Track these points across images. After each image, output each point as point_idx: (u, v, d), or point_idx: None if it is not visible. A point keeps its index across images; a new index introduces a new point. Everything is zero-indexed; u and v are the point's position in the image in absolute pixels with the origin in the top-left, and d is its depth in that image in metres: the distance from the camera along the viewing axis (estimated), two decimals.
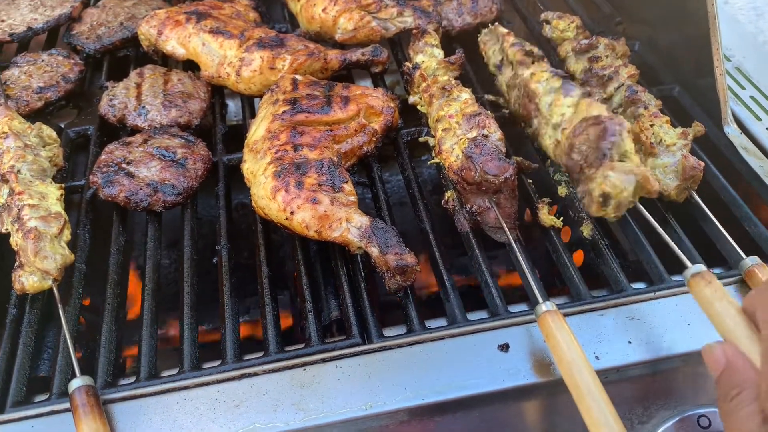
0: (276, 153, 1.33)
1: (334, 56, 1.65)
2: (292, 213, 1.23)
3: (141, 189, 1.37)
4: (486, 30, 1.69)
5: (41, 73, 1.71)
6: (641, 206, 1.17)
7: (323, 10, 1.74)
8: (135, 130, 1.58)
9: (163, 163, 1.42)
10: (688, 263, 1.04)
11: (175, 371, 1.13)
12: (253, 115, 1.63)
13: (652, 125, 1.33)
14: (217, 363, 1.13)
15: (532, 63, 1.41)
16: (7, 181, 1.34)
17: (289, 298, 1.65)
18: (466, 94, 1.44)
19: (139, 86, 1.63)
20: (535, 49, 1.48)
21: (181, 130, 1.54)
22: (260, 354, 1.15)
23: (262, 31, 1.68)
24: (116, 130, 1.62)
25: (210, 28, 1.67)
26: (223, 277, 1.27)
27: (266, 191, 1.27)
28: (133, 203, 1.37)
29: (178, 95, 1.60)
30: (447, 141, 1.35)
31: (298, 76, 1.53)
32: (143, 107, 1.57)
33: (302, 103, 1.43)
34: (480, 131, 1.31)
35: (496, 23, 1.70)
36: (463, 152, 1.28)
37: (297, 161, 1.30)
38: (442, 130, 1.38)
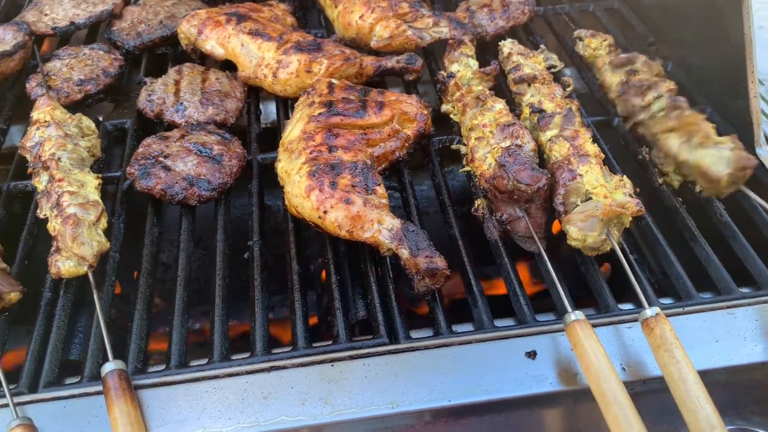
0: (311, 153, 1.35)
1: (369, 62, 1.68)
2: (325, 212, 1.25)
3: (177, 182, 1.40)
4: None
5: (82, 66, 1.75)
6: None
7: (360, 17, 1.77)
8: (171, 126, 1.61)
9: (200, 158, 1.44)
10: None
11: (204, 361, 1.15)
12: (286, 117, 1.66)
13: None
14: (246, 355, 1.15)
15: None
16: (47, 168, 1.37)
17: (314, 298, 1.66)
18: (500, 105, 1.45)
19: (177, 83, 1.66)
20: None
21: (217, 128, 1.56)
22: (288, 348, 1.16)
23: (299, 35, 1.71)
24: (153, 125, 1.66)
25: (249, 30, 1.70)
26: (254, 272, 1.28)
27: (300, 190, 1.29)
28: (169, 196, 1.39)
29: (215, 94, 1.64)
30: (480, 149, 1.37)
31: (334, 80, 1.56)
32: (181, 104, 1.60)
33: (338, 106, 1.45)
34: (513, 141, 1.33)
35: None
36: (496, 161, 1.29)
37: (331, 162, 1.32)
38: (475, 138, 1.40)
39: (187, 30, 1.78)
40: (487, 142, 1.37)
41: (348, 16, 1.80)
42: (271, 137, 1.66)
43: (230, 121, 1.61)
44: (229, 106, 1.62)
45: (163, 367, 1.15)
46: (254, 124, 1.65)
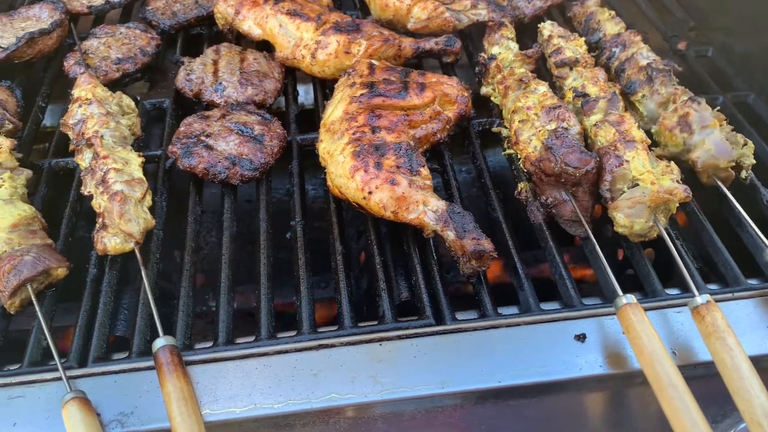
0: (354, 134, 1.35)
1: (408, 44, 1.67)
2: (370, 193, 1.25)
3: (219, 162, 1.40)
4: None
5: (119, 45, 1.75)
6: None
7: None
8: (210, 106, 1.61)
9: (241, 138, 1.44)
10: None
11: (251, 339, 1.16)
12: (324, 98, 1.65)
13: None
14: (292, 333, 1.16)
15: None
16: (91, 146, 1.37)
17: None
18: (543, 87, 1.44)
19: (215, 63, 1.66)
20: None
21: (256, 108, 1.56)
22: (334, 327, 1.17)
23: (338, 15, 1.70)
24: (190, 104, 1.66)
25: (287, 10, 1.69)
26: (298, 251, 1.29)
27: (345, 170, 1.29)
28: (212, 175, 1.39)
29: (254, 74, 1.63)
30: (524, 132, 1.36)
31: (374, 61, 1.55)
32: (220, 83, 1.60)
33: (379, 87, 1.44)
34: (560, 123, 1.32)
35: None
36: (542, 143, 1.28)
37: (375, 143, 1.32)
38: (519, 121, 1.39)
39: (224, 10, 1.77)
40: (531, 124, 1.36)
41: None
42: (305, 119, 1.65)
43: (269, 101, 1.61)
44: (268, 86, 1.62)
45: (210, 344, 1.15)
46: (292, 105, 1.64)
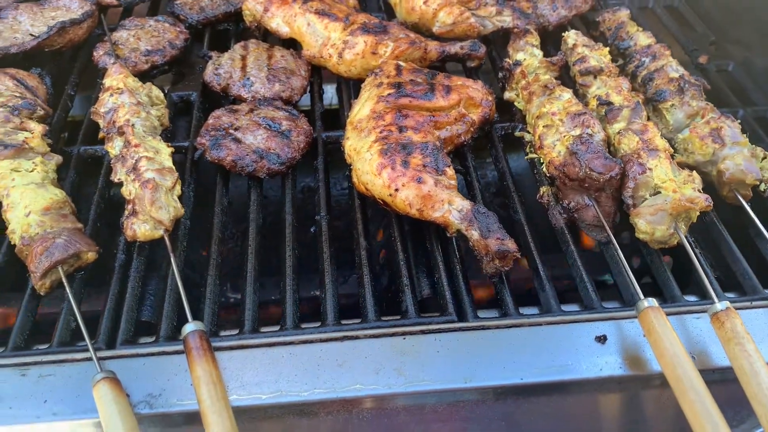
0: (381, 132, 1.37)
1: (433, 47, 1.69)
2: (396, 190, 1.27)
3: (248, 155, 1.42)
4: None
5: (149, 38, 1.78)
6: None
7: (425, 2, 1.79)
8: (237, 100, 1.63)
9: (269, 132, 1.47)
10: None
11: (276, 328, 1.18)
12: (349, 97, 1.68)
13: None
14: (316, 324, 1.18)
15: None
16: (122, 134, 1.40)
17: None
18: (567, 94, 1.47)
19: (244, 59, 1.68)
20: None
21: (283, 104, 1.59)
22: (358, 320, 1.19)
23: (365, 16, 1.73)
24: (217, 98, 1.68)
25: (316, 10, 1.72)
26: (323, 245, 1.31)
27: (372, 167, 1.31)
28: (239, 167, 1.42)
29: (281, 71, 1.66)
30: (549, 137, 1.38)
31: (401, 62, 1.57)
32: (248, 79, 1.63)
33: (407, 87, 1.47)
34: (584, 130, 1.34)
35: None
36: (567, 148, 1.31)
37: (402, 142, 1.34)
38: (543, 126, 1.41)
39: (252, 7, 1.80)
40: (556, 129, 1.38)
41: (412, 1, 1.82)
42: (328, 117, 1.67)
43: (295, 98, 1.64)
44: (295, 83, 1.65)
45: (236, 331, 1.17)
46: (318, 102, 1.67)
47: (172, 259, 1.22)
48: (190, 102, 1.68)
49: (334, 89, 1.79)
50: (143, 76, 1.72)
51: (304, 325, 1.19)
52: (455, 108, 1.48)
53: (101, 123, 1.48)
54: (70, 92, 1.71)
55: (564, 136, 1.36)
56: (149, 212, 1.25)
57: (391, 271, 1.41)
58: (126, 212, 1.31)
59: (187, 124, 1.64)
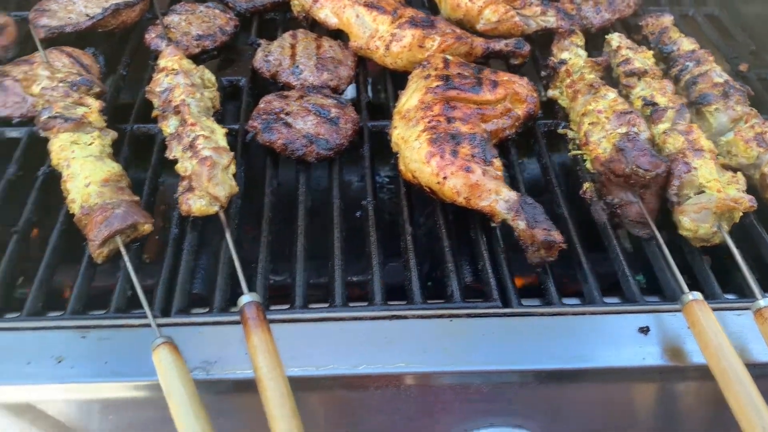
0: (429, 122, 1.40)
1: (479, 43, 1.72)
2: (444, 178, 1.31)
3: (298, 139, 1.46)
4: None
5: (200, 23, 1.82)
6: None
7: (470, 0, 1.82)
8: (285, 87, 1.67)
9: (319, 119, 1.51)
10: None
11: (325, 305, 1.21)
12: (395, 89, 1.71)
13: None
14: (364, 304, 1.21)
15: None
16: (178, 113, 1.44)
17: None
18: (613, 93, 1.49)
19: (293, 47, 1.72)
20: None
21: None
22: (403, 302, 1.22)
23: (413, 11, 1.76)
24: (264, 85, 1.72)
25: (365, 2, 1.75)
26: (370, 229, 1.34)
27: (420, 155, 1.35)
28: (289, 151, 1.46)
29: (329, 60, 1.70)
30: (594, 134, 1.41)
31: (448, 56, 1.61)
32: (297, 66, 1.67)
33: (454, 80, 1.50)
34: (630, 128, 1.37)
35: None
36: (614, 145, 1.33)
37: (451, 132, 1.37)
38: (589, 123, 1.44)
39: None
40: (602, 127, 1.41)
41: None
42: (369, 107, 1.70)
43: (342, 87, 1.67)
44: (342, 73, 1.68)
45: (286, 306, 1.21)
46: (363, 93, 1.70)
47: (228, 234, 1.25)
48: (238, 87, 1.72)
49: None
50: (193, 60, 1.76)
51: (353, 304, 1.22)
52: (501, 102, 1.51)
53: (156, 102, 1.52)
54: (122, 72, 1.76)
55: (610, 134, 1.39)
56: (206, 188, 1.29)
57: (432, 258, 1.44)
58: (180, 188, 1.35)
59: (235, 109, 1.67)
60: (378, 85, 1.83)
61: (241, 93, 1.70)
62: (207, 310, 1.20)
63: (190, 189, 1.32)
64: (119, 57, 1.81)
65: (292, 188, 1.46)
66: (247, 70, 1.75)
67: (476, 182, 1.29)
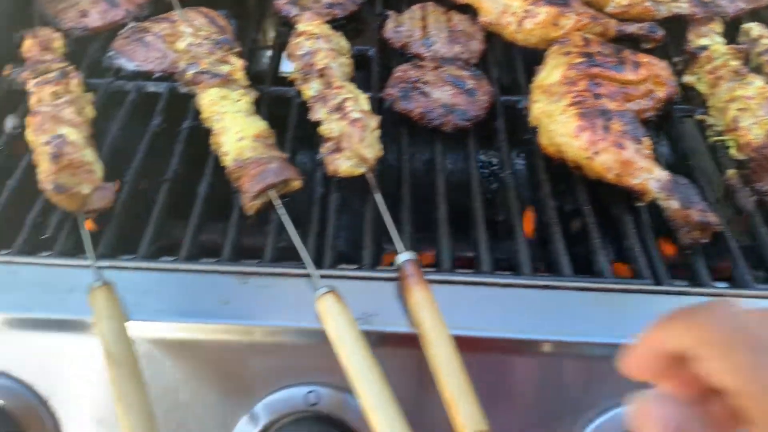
0: (575, 97, 1.40)
1: (612, 25, 1.70)
2: (595, 153, 1.30)
3: (435, 108, 1.47)
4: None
5: None
6: None
7: None
8: (414, 58, 1.68)
9: (455, 89, 1.51)
10: None
11: (471, 271, 1.22)
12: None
13: None
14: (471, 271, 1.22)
15: None
16: (322, 76, 1.46)
17: None
18: (759, 81, 1.46)
19: (423, 19, 1.73)
20: None
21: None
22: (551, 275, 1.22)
23: None
24: (392, 56, 1.73)
25: None
26: (512, 201, 1.35)
27: (568, 129, 1.34)
28: (427, 119, 1.46)
29: (460, 33, 1.70)
30: (744, 120, 1.39)
31: (587, 35, 1.59)
32: (428, 38, 1.67)
33: (597, 58, 1.49)
34: None
35: None
36: (767, 131, 1.31)
37: (599, 108, 1.36)
38: (737, 109, 1.42)
39: None
40: (753, 113, 1.38)
41: None
42: None
43: (473, 61, 1.67)
44: (474, 47, 1.69)
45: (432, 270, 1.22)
46: (493, 67, 1.70)
47: (377, 195, 1.27)
48: (366, 57, 1.73)
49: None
50: None
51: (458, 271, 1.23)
52: (643, 83, 1.49)
53: (296, 65, 1.55)
54: (254, 36, 1.79)
55: (761, 120, 1.36)
56: (357, 150, 1.31)
57: (567, 235, 1.43)
58: (324, 149, 1.38)
59: (362, 78, 1.69)
60: (501, 60, 1.82)
61: (369, 62, 1.71)
62: (358, 266, 1.22)
63: (338, 150, 1.34)
64: (247, 21, 1.85)
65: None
66: (373, 41, 1.76)
67: (628, 159, 1.28)
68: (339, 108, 1.38)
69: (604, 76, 1.46)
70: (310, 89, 1.49)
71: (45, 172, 1.23)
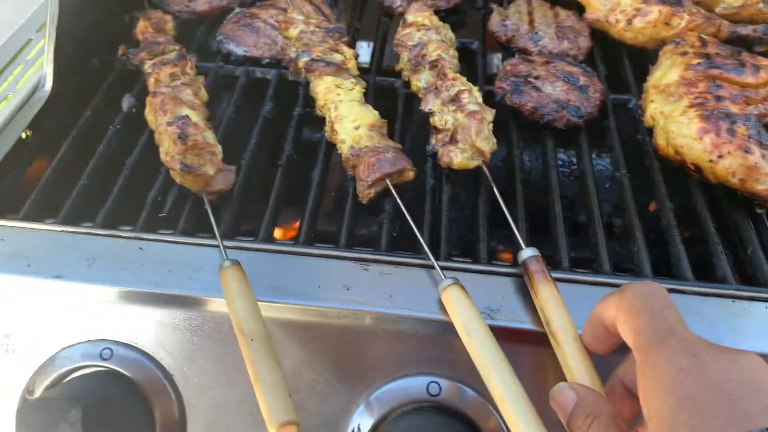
0: (696, 99, 1.36)
1: (725, 26, 1.66)
2: (719, 156, 1.27)
3: (548, 104, 1.45)
4: None
5: None
6: None
7: None
8: (520, 52, 1.66)
9: (568, 85, 1.49)
10: None
11: (588, 270, 1.21)
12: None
13: None
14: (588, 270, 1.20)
15: None
16: (435, 67, 1.46)
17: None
18: None
19: (530, 13, 1.71)
20: None
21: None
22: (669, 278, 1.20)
23: None
24: (496, 49, 1.72)
25: None
26: (628, 202, 1.32)
27: (690, 131, 1.31)
28: (539, 115, 1.45)
29: (567, 29, 1.68)
30: None
31: (703, 36, 1.55)
32: (536, 33, 1.66)
33: (716, 59, 1.45)
34: None
35: None
36: None
37: (722, 110, 1.33)
38: None
39: None
40: None
41: None
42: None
43: (580, 58, 1.65)
44: (582, 43, 1.66)
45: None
46: (600, 65, 1.67)
47: (495, 188, 1.26)
48: (470, 50, 1.73)
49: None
50: None
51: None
52: (763, 87, 1.44)
53: (405, 55, 1.55)
54: (356, 26, 1.80)
55: None
56: (473, 142, 1.30)
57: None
58: (435, 140, 1.37)
59: (467, 70, 1.68)
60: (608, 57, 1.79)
61: (473, 55, 1.70)
62: (471, 260, 1.22)
63: (453, 141, 1.33)
64: (347, 10, 1.86)
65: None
66: (476, 34, 1.76)
67: (755, 164, 1.24)
68: (454, 100, 1.37)
69: (724, 78, 1.42)
70: (420, 80, 1.49)
71: (171, 152, 1.26)
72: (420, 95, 1.46)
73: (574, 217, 1.60)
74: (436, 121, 1.40)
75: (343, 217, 1.29)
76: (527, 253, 1.13)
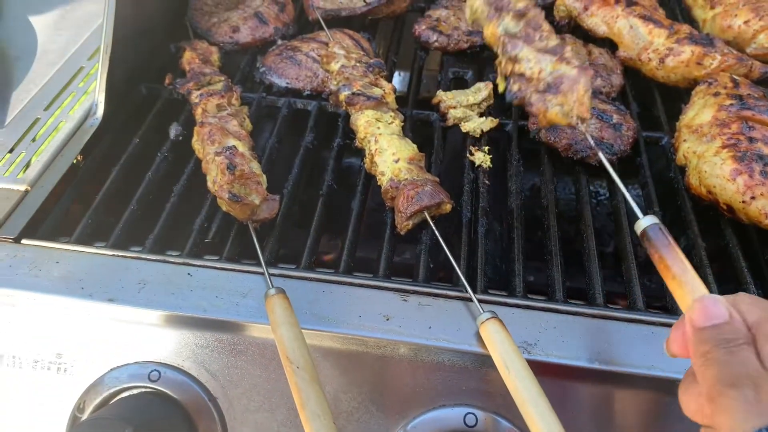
0: (728, 140, 1.39)
1: (758, 67, 1.69)
2: (752, 198, 1.29)
3: (582, 140, 1.49)
4: None
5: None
6: None
7: (745, 22, 1.78)
8: None
9: (601, 123, 1.53)
10: None
11: (618, 306, 1.23)
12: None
13: None
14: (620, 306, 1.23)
15: None
16: (523, 15, 1.39)
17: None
18: None
19: None
20: None
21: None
22: None
23: (689, 27, 1.75)
24: None
25: (639, 14, 1.76)
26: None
27: (723, 172, 1.34)
28: (573, 151, 1.49)
29: (601, 67, 1.72)
30: None
31: (735, 76, 1.58)
32: None
33: (749, 101, 1.48)
34: None
35: None
36: None
37: (755, 152, 1.36)
38: None
39: (570, 4, 1.87)
40: None
41: (729, 19, 1.82)
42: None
43: (612, 95, 1.69)
44: (615, 81, 1.70)
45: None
46: (633, 102, 1.71)
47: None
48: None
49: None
50: (460, 55, 1.84)
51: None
52: None
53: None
54: (393, 59, 1.86)
55: None
56: (581, 98, 1.23)
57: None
58: (518, 87, 1.34)
59: (499, 105, 1.72)
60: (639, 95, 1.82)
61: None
62: (507, 293, 1.25)
63: (551, 91, 1.28)
64: (384, 44, 1.91)
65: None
66: None
67: None
68: (552, 52, 1.33)
69: (757, 120, 1.45)
70: (499, 26, 1.44)
71: (219, 182, 1.31)
72: (496, 42, 1.39)
73: (602, 248, 1.63)
74: (524, 68, 1.33)
75: (380, 245, 1.33)
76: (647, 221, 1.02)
